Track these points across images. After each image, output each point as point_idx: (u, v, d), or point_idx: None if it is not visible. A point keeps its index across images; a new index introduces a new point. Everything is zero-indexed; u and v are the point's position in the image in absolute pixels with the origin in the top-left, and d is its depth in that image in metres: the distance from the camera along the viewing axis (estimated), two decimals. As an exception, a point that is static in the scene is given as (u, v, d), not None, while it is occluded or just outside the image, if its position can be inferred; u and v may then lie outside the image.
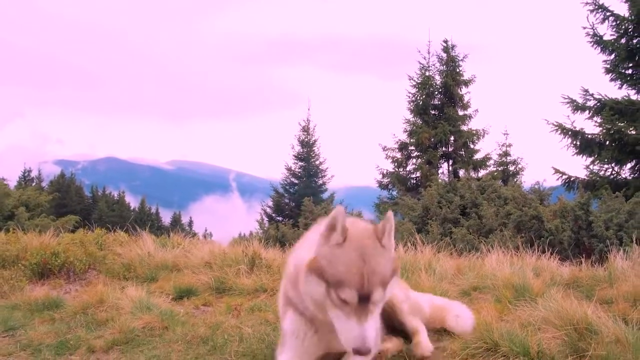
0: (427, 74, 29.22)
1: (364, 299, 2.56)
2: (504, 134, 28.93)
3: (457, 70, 29.05)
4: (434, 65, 29.58)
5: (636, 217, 8.72)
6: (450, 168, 28.91)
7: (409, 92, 29.27)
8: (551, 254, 6.58)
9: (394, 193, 28.81)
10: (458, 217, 11.31)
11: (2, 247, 7.08)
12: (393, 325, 3.83)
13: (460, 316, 4.14)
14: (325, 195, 37.62)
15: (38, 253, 6.44)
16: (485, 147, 29.14)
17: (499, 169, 28.13)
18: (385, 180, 29.38)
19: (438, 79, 29.15)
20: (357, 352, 2.52)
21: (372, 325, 2.61)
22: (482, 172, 27.20)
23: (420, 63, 29.57)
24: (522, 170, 28.28)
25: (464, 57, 29.12)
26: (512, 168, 28.63)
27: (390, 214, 2.78)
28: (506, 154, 28.91)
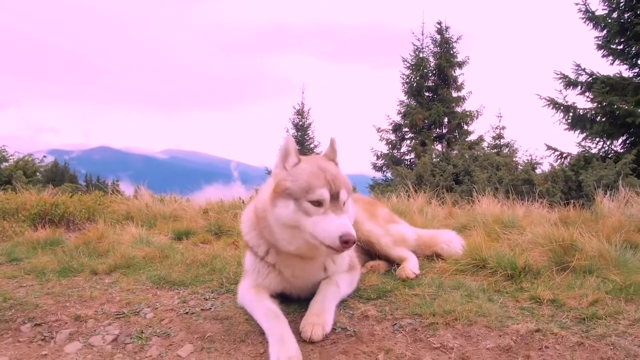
0: (421, 55, 29.27)
1: (334, 197, 2.78)
2: (498, 117, 29.12)
3: (451, 51, 29.08)
4: (427, 47, 29.63)
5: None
6: (444, 149, 29.09)
7: (403, 74, 29.33)
8: (541, 204, 6.74)
9: (389, 175, 28.97)
10: (451, 184, 11.47)
11: (2, 202, 7.18)
12: (380, 258, 4.10)
13: (451, 241, 4.33)
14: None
15: (38, 204, 6.55)
16: (478, 129, 29.32)
17: (493, 151, 28.34)
18: (380, 162, 29.50)
19: (432, 60, 29.19)
20: (344, 240, 2.64)
21: (348, 221, 2.77)
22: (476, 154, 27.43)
23: (414, 45, 29.62)
24: (516, 153, 28.53)
25: (457, 39, 29.17)
26: (505, 150, 28.85)
27: (333, 138, 3.11)
28: (500, 136, 29.10)
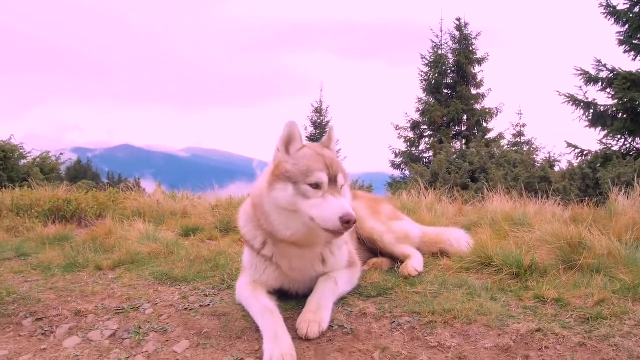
0: (439, 52, 29.02)
1: (332, 181, 2.81)
2: (518, 114, 28.76)
3: (470, 48, 28.79)
4: (446, 43, 29.36)
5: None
6: (463, 147, 28.79)
7: (422, 71, 29.12)
8: (555, 202, 6.62)
9: (407, 173, 28.77)
10: (467, 182, 11.33)
11: (17, 198, 7.28)
12: (384, 256, 4.06)
13: (457, 239, 4.26)
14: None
15: (51, 200, 6.62)
16: (498, 126, 28.97)
17: (513, 149, 27.97)
18: (398, 160, 29.32)
19: (451, 57, 28.92)
20: (345, 221, 2.63)
21: (347, 203, 2.79)
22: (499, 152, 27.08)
23: (433, 42, 29.38)
24: (537, 151, 28.11)
25: (477, 35, 28.87)
26: (526, 148, 28.45)
27: (331, 125, 3.32)
28: (520, 134, 28.75)
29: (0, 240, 5.54)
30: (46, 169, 14.31)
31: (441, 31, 29.38)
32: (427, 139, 29.08)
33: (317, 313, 2.87)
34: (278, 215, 2.89)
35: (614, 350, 2.50)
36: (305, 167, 2.81)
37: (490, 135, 28.43)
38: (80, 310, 3.34)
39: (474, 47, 28.89)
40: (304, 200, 2.76)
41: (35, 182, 10.17)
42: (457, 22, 28.95)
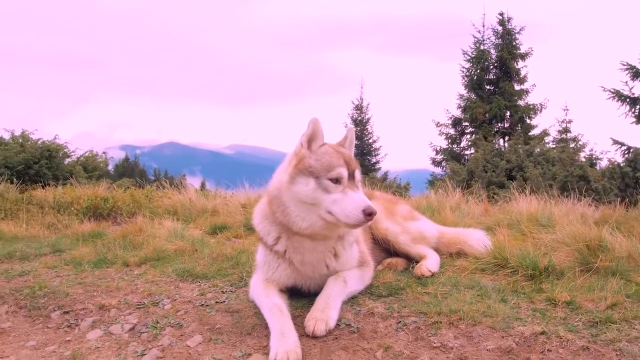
0: (481, 47, 28.46)
1: (351, 176, 2.98)
2: (564, 110, 27.94)
3: (514, 43, 28.10)
4: (489, 38, 28.74)
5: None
6: (506, 144, 28.20)
7: (463, 67, 28.62)
8: (587, 202, 6.47)
9: (448, 170, 28.37)
10: (503, 180, 11.15)
11: (59, 196, 7.63)
12: (400, 256, 4.12)
13: (476, 240, 4.24)
14: (378, 175, 37.49)
15: (89, 198, 6.90)
16: (542, 123, 28.21)
17: (559, 145, 27.19)
18: (439, 157, 28.98)
19: (493, 52, 28.31)
20: (368, 213, 2.80)
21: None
22: (538, 149, 26.42)
23: (475, 37, 28.82)
24: (583, 148, 27.26)
25: (520, 30, 28.14)
26: (572, 145, 27.63)
27: (351, 127, 3.42)
28: (566, 130, 27.93)
29: (39, 236, 5.86)
30: (89, 168, 14.93)
31: (483, 26, 28.81)
32: (468, 136, 28.64)
33: (325, 311, 2.95)
34: (296, 208, 3.00)
35: (617, 354, 2.48)
36: (327, 162, 2.96)
37: (534, 132, 27.73)
38: (104, 304, 3.52)
39: (517, 41, 28.17)
40: (325, 194, 2.90)
41: (78, 181, 10.63)
42: (500, 17, 28.33)
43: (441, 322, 2.90)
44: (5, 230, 6.04)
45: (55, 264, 4.47)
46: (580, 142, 27.16)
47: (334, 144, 3.22)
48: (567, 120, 27.76)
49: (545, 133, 27.63)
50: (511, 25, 28.21)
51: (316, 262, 3.23)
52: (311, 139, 3.09)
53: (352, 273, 3.32)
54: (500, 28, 28.29)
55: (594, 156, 12.61)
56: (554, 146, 26.73)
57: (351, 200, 2.86)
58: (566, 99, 29.73)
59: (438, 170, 29.14)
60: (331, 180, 2.91)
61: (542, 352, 2.56)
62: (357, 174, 3.05)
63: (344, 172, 2.94)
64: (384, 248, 4.06)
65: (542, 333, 2.70)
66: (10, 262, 4.74)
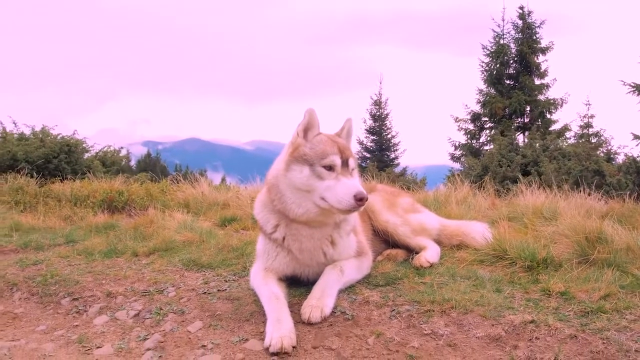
0: (501, 42, 28.17)
1: (345, 164, 3.05)
2: (586, 105, 27.49)
3: (534, 37, 27.77)
4: (508, 33, 28.43)
5: None
6: (526, 140, 27.88)
7: (482, 62, 28.36)
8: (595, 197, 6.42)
9: (472, 166, 28.12)
10: (517, 175, 11.07)
11: (76, 189, 7.83)
12: (401, 247, 4.18)
13: (478, 232, 4.28)
14: (397, 170, 37.34)
15: (105, 192, 7.08)
16: (563, 118, 27.79)
17: (580, 141, 26.78)
18: (458, 153, 28.79)
19: (513, 47, 28.00)
20: (359, 198, 2.87)
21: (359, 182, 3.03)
22: (560, 144, 26.05)
23: (494, 31, 28.52)
24: (606, 143, 26.80)
25: (541, 24, 27.78)
26: (594, 140, 27.20)
27: (349, 118, 3.42)
28: (588, 125, 27.51)
29: (55, 228, 6.05)
30: (107, 162, 15.28)
31: (503, 20, 28.48)
32: (487, 131, 28.40)
33: (321, 299, 3.03)
34: (292, 194, 3.11)
35: (603, 343, 2.51)
36: (321, 150, 3.05)
37: (555, 127, 27.38)
38: (111, 291, 3.65)
39: (537, 35, 27.81)
40: (319, 181, 3.00)
41: (95, 175, 10.87)
42: (520, 11, 28.01)
43: (434, 311, 2.96)
44: (23, 222, 6.25)
45: (67, 254, 4.63)
46: (602, 138, 26.76)
47: (330, 134, 3.30)
48: (589, 115, 27.36)
49: (566, 128, 27.25)
50: (531, 19, 27.86)
51: (314, 250, 3.31)
52: (307, 129, 3.18)
53: (349, 263, 3.39)
54: (520, 22, 27.96)
55: (611, 151, 12.45)
56: (575, 141, 26.40)
57: (343, 186, 2.94)
58: (588, 94, 29.21)
59: (457, 165, 28.96)
60: (325, 167, 3.00)
61: (530, 339, 2.60)
62: (351, 162, 3.11)
63: (337, 159, 3.02)
64: (385, 239, 4.12)
65: (532, 322, 2.74)
66: (26, 251, 4.93)
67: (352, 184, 2.96)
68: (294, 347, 2.67)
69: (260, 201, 3.47)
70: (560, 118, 27.56)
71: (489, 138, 28.04)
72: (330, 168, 3.01)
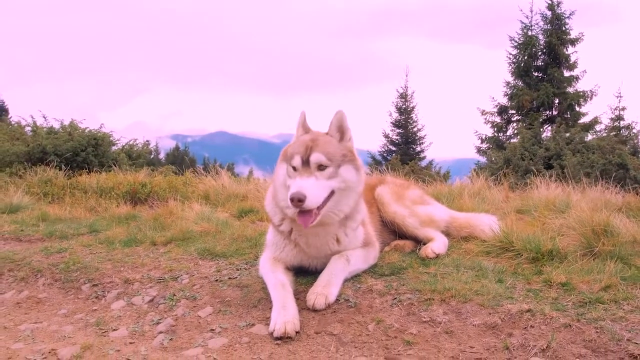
0: (529, 33, 27.72)
1: (305, 163, 3.09)
2: (617, 97, 26.88)
3: (563, 28, 27.23)
4: (537, 24, 27.94)
5: None
6: (541, 132, 27.42)
7: (510, 54, 27.97)
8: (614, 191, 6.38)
9: (494, 159, 27.82)
10: (540, 168, 10.98)
11: (102, 181, 8.10)
12: (409, 239, 4.25)
13: (486, 224, 4.33)
14: (423, 163, 37.11)
15: (129, 183, 7.30)
16: (593, 110, 27.20)
17: (611, 134, 26.22)
18: (484, 146, 28.49)
19: (541, 38, 27.52)
20: (290, 198, 2.92)
21: (312, 183, 3.03)
22: (589, 137, 25.56)
23: (522, 22, 28.07)
24: (638, 136, 26.19)
25: (570, 14, 27.20)
26: (625, 133, 26.63)
27: (338, 110, 3.35)
28: (619, 117, 26.91)
29: (80, 218, 6.29)
30: (133, 155, 15.68)
31: (531, 11, 27.99)
32: (515, 124, 28.03)
33: (326, 287, 3.14)
34: (279, 191, 3.28)
35: (597, 332, 2.57)
36: (292, 150, 3.20)
37: (584, 119, 26.87)
38: (129, 278, 3.83)
39: (567, 26, 27.26)
40: (290, 179, 3.15)
41: (121, 167, 11.18)
42: (549, 1, 27.50)
43: (434, 299, 3.05)
44: (50, 213, 6.51)
45: (90, 243, 4.83)
46: (634, 131, 26.15)
47: (314, 132, 3.36)
48: (620, 107, 26.76)
49: (595, 121, 26.70)
50: (560, 10, 27.31)
51: (320, 246, 3.42)
52: (297, 129, 3.36)
53: (355, 252, 3.49)
54: (549, 13, 27.44)
55: (638, 144, 12.22)
56: (605, 134, 25.85)
57: (290, 187, 3.04)
58: (619, 86, 28.54)
59: (483, 159, 28.65)
60: (292, 167, 3.13)
61: (524, 327, 2.67)
62: (314, 157, 3.07)
63: (297, 159, 3.10)
64: (393, 230, 4.20)
65: (528, 311, 2.81)
66: (51, 240, 5.16)
67: (295, 184, 3.01)
68: (297, 332, 2.79)
69: (269, 194, 3.60)
70: (590, 111, 27.01)
71: (515, 131, 27.68)
72: (294, 168, 3.13)
